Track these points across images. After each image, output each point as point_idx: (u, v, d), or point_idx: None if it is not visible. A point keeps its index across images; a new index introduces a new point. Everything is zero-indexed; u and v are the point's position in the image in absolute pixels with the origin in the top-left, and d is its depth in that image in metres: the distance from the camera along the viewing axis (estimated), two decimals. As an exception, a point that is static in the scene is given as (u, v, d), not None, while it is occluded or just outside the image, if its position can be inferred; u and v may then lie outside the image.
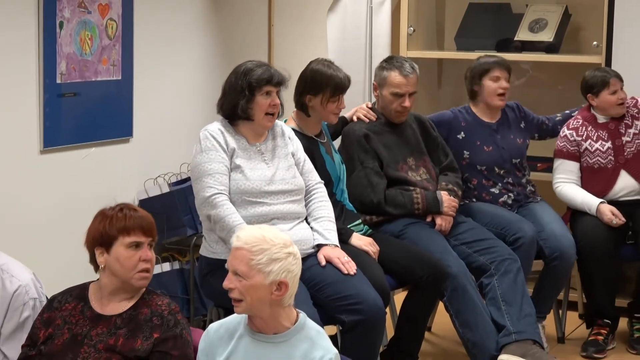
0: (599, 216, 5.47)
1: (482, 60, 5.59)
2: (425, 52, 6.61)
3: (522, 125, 5.73)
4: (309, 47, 6.74)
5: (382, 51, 6.60)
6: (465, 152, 5.56)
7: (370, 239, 4.79)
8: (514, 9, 6.71)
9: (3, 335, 3.52)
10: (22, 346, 3.46)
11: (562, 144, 5.66)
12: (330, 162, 4.88)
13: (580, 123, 5.66)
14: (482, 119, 5.60)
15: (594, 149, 5.61)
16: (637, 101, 5.65)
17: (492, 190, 5.57)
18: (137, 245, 3.40)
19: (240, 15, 6.64)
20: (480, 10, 6.72)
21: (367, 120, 5.21)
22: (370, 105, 5.31)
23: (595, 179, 5.62)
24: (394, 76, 5.11)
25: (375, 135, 5.14)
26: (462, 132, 5.58)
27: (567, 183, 5.64)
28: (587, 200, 5.55)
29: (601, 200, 5.50)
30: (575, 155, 5.64)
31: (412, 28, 6.56)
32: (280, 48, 6.81)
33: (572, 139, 5.64)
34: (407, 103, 5.14)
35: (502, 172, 5.58)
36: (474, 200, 5.58)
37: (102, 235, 3.42)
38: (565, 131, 5.67)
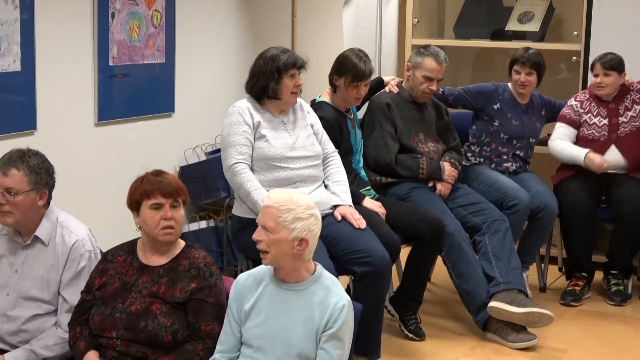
0: (588, 164, 5.47)
1: (517, 52, 5.59)
2: (428, 40, 6.55)
3: (543, 112, 5.75)
4: (327, 35, 6.74)
5: (390, 39, 6.61)
6: (496, 120, 5.59)
7: (379, 203, 4.81)
8: (505, 3, 6.72)
9: (63, 283, 3.53)
10: (81, 292, 3.48)
11: (567, 111, 5.68)
12: (353, 135, 4.91)
13: (586, 97, 5.67)
14: (516, 98, 5.62)
15: (591, 122, 5.61)
16: None
17: (503, 156, 5.62)
18: (158, 207, 3.39)
19: (267, 8, 6.63)
20: (476, 4, 6.72)
21: (394, 92, 5.22)
22: (397, 82, 5.32)
23: (587, 147, 5.61)
24: (430, 62, 5.11)
25: (396, 106, 5.16)
26: (498, 104, 5.60)
27: (561, 140, 5.65)
28: (576, 151, 5.58)
29: (588, 149, 5.49)
30: (575, 123, 5.65)
31: (416, 19, 6.57)
32: (302, 36, 6.80)
33: (576, 109, 5.66)
34: (434, 87, 5.17)
35: (518, 145, 5.63)
36: (482, 160, 5.62)
37: (132, 200, 3.43)
38: (572, 101, 5.70)
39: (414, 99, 5.23)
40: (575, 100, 5.68)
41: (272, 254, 3.17)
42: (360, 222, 4.42)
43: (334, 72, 4.81)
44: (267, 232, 3.17)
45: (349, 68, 4.75)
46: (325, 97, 4.88)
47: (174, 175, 3.47)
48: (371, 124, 5.10)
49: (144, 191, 3.39)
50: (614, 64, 5.50)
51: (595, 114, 5.61)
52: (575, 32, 6.31)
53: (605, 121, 5.59)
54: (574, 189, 5.57)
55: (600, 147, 5.59)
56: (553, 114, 5.78)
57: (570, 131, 5.66)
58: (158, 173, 3.46)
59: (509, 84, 5.66)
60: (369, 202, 4.75)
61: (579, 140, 5.66)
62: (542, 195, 5.46)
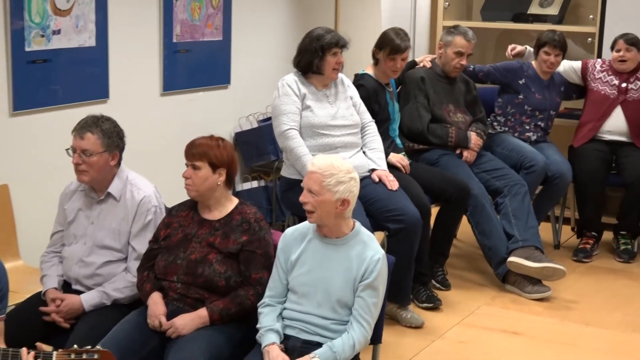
0: None
1: (546, 33, 5.52)
2: (457, 22, 6.46)
3: (562, 88, 5.70)
4: (367, 17, 6.70)
5: (423, 20, 6.56)
6: (521, 94, 5.55)
7: (400, 155, 4.81)
8: (528, -12, 6.62)
9: (132, 234, 3.56)
10: (148, 242, 3.51)
11: (590, 62, 5.70)
12: (391, 106, 4.89)
13: (607, 63, 5.66)
14: (540, 75, 5.57)
15: (605, 80, 5.61)
16: None
17: (526, 126, 5.58)
18: (187, 166, 3.42)
19: (314, -9, 6.60)
20: (502, -11, 6.64)
21: (428, 66, 5.19)
22: (431, 58, 5.29)
23: (595, 107, 5.62)
24: (459, 40, 5.09)
25: (430, 80, 5.14)
26: (523, 79, 5.56)
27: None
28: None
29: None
30: (586, 68, 5.67)
31: (447, 3, 6.53)
32: (344, 17, 6.75)
33: (596, 66, 5.67)
34: (464, 61, 5.14)
35: (540, 116, 5.59)
36: (507, 129, 5.58)
37: None
38: (597, 60, 5.73)
39: (445, 73, 5.21)
40: (598, 60, 5.73)
41: (317, 213, 3.17)
42: (393, 184, 4.42)
43: (376, 46, 4.80)
44: (312, 195, 3.17)
45: (387, 42, 4.73)
46: (369, 70, 4.86)
47: (210, 142, 3.42)
48: (406, 96, 5.08)
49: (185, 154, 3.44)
50: (635, 40, 5.51)
51: (609, 73, 5.61)
52: (591, 16, 6.26)
53: (617, 82, 5.58)
54: (588, 156, 5.54)
55: (607, 107, 5.58)
56: (569, 91, 5.74)
57: (577, 67, 5.69)
58: (199, 139, 3.45)
59: (533, 62, 5.60)
60: (393, 156, 4.74)
61: (589, 97, 5.66)
62: (559, 164, 5.42)
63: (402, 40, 4.73)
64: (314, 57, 4.35)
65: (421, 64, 5.25)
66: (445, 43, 5.16)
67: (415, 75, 5.12)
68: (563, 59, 5.53)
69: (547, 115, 5.60)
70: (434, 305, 4.71)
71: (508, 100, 5.60)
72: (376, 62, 4.82)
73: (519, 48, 5.71)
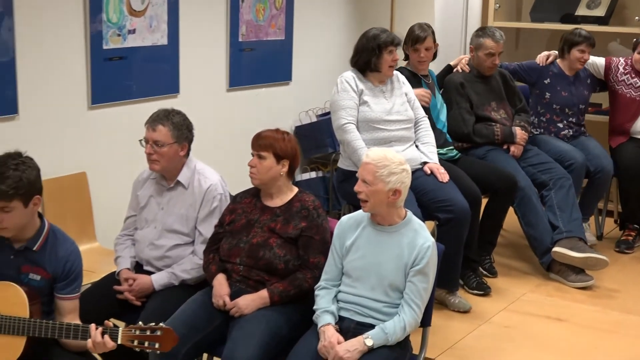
0: None
1: (577, 32, 5.39)
2: (507, 23, 6.48)
3: (589, 81, 5.56)
4: (421, 18, 6.62)
5: (474, 21, 6.51)
6: (547, 93, 5.44)
7: (423, 89, 4.74)
8: (575, -10, 6.51)
9: (199, 219, 3.59)
10: (214, 226, 3.54)
11: (614, 62, 5.53)
12: (432, 98, 4.80)
13: (629, 64, 5.49)
14: (565, 72, 5.45)
15: (628, 82, 5.45)
16: None
17: (559, 124, 5.46)
18: (252, 156, 3.43)
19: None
20: (550, -9, 6.54)
21: (466, 70, 5.13)
22: (467, 60, 5.22)
23: (623, 110, 5.48)
24: (489, 42, 5.01)
25: (469, 83, 5.06)
26: (548, 79, 5.44)
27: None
28: None
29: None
30: (610, 67, 5.50)
31: (497, 5, 6.46)
32: (399, 18, 6.71)
33: (619, 67, 5.50)
34: (497, 60, 5.06)
35: (570, 112, 5.46)
36: (542, 130, 5.47)
37: None
38: (620, 59, 5.54)
39: (481, 73, 5.13)
40: (622, 60, 5.53)
41: (370, 202, 3.17)
42: (444, 176, 4.38)
43: (404, 42, 4.75)
44: (366, 185, 3.16)
45: (409, 34, 4.75)
46: (406, 64, 4.87)
47: (276, 135, 3.43)
48: (449, 102, 5.01)
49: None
50: None
51: (633, 75, 5.45)
52: (636, 17, 6.14)
53: None
54: (629, 153, 5.42)
55: (636, 107, 5.43)
56: (594, 84, 5.59)
57: (600, 64, 5.52)
58: (266, 131, 3.46)
59: (557, 60, 5.48)
60: (417, 90, 4.66)
61: (615, 101, 5.51)
62: (600, 158, 5.32)
63: (423, 30, 4.72)
64: (371, 56, 4.33)
65: (457, 68, 5.17)
66: (475, 46, 5.08)
67: (454, 82, 5.05)
68: None
69: (576, 110, 5.47)
70: (484, 292, 4.68)
71: (537, 101, 5.49)
72: (406, 57, 4.82)
73: (552, 55, 5.53)
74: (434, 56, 4.84)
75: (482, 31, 5.10)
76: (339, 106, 4.33)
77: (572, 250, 4.77)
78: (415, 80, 4.77)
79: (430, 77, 4.90)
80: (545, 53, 5.46)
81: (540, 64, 5.40)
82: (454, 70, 5.19)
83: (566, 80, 5.45)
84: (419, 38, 4.71)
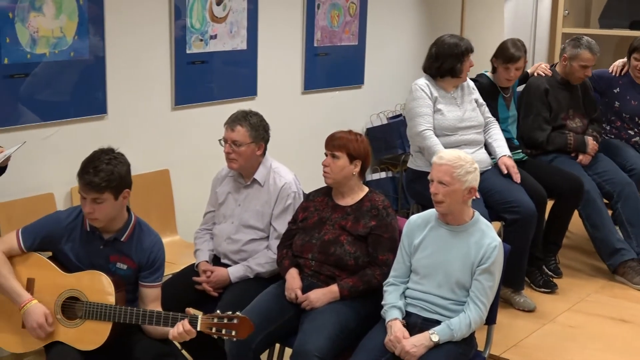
0: None
1: (637, 39, 5.19)
2: (576, 29, 6.34)
3: None
4: (490, 25, 6.56)
5: (543, 28, 6.39)
6: (617, 102, 5.26)
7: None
8: (645, -3, 6.34)
9: (274, 215, 3.61)
10: (288, 223, 3.56)
11: None
12: (503, 110, 4.70)
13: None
14: (635, 81, 5.25)
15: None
16: None
17: (629, 132, 5.28)
18: (326, 156, 3.43)
19: (441, 1, 6.50)
20: (619, -1, 6.38)
21: (549, 74, 4.99)
22: (548, 66, 5.10)
23: None
24: (586, 54, 4.85)
25: (552, 90, 4.94)
26: (618, 88, 5.26)
27: None
28: None
29: None
30: None
31: (567, 11, 6.32)
32: (469, 25, 6.64)
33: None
34: (589, 73, 4.92)
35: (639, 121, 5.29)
36: (612, 137, 5.32)
37: None
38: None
39: (565, 81, 5.01)
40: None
41: (446, 203, 3.13)
42: (517, 176, 4.32)
43: (494, 55, 4.68)
44: (443, 186, 3.12)
45: (502, 51, 4.61)
46: (490, 75, 4.76)
47: (350, 136, 3.42)
48: (529, 107, 4.89)
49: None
50: None
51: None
52: None
53: None
54: None
55: None
56: None
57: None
58: (340, 132, 3.45)
59: (628, 68, 5.27)
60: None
61: None
62: None
63: (517, 49, 4.58)
64: (456, 62, 4.28)
65: (539, 72, 5.03)
66: (570, 56, 4.92)
67: (539, 87, 4.91)
68: None
69: None
70: (551, 290, 4.60)
71: (607, 108, 5.31)
72: (494, 69, 4.71)
73: (623, 65, 5.31)
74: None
75: (579, 42, 4.90)
76: (416, 113, 4.29)
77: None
78: (493, 90, 4.69)
79: (509, 90, 4.81)
80: (621, 62, 5.26)
81: (614, 74, 5.22)
82: (534, 74, 5.06)
83: (636, 89, 5.25)
84: (513, 57, 4.58)
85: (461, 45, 4.27)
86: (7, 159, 3.16)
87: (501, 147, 4.43)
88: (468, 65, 4.30)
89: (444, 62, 4.30)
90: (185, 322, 2.87)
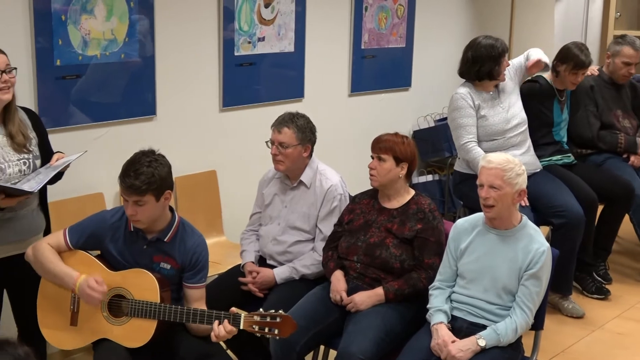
0: None
1: None
2: (627, 31, 6.21)
3: None
4: (540, 26, 6.46)
5: (594, 30, 6.28)
6: None
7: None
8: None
9: (319, 217, 3.60)
10: (334, 225, 3.54)
11: None
12: (557, 113, 4.65)
13: None
14: None
15: None
16: None
17: None
18: (372, 159, 3.40)
19: (490, 3, 6.43)
20: (673, 0, 6.22)
21: (595, 74, 4.94)
22: (595, 67, 5.02)
23: None
24: (627, 50, 4.83)
25: (598, 88, 4.90)
26: None
27: None
28: None
29: None
30: None
31: (618, 13, 6.21)
32: (518, 26, 6.55)
33: None
34: (632, 70, 4.88)
35: None
36: None
37: None
38: None
39: (613, 81, 4.93)
40: None
41: (497, 207, 3.09)
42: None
43: (557, 59, 4.60)
44: (494, 190, 3.08)
45: (571, 57, 4.54)
46: (548, 77, 4.69)
47: (396, 139, 3.39)
48: (577, 104, 4.85)
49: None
50: None
51: None
52: None
53: None
54: None
55: None
56: None
57: None
58: (386, 135, 3.43)
59: None
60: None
61: None
62: None
63: (587, 56, 4.55)
64: (494, 64, 4.24)
65: (588, 72, 4.96)
66: (613, 53, 4.88)
67: (585, 85, 4.87)
68: None
69: None
70: (604, 296, 4.52)
71: None
72: (557, 73, 4.62)
73: None
74: None
75: (622, 39, 4.89)
76: (458, 124, 4.25)
77: None
78: (549, 93, 4.63)
79: (564, 93, 4.74)
80: None
81: None
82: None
83: None
84: (583, 64, 4.53)
85: (498, 47, 4.23)
86: (67, 166, 3.19)
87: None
88: (505, 65, 4.25)
89: (483, 66, 4.25)
90: (226, 322, 2.86)
